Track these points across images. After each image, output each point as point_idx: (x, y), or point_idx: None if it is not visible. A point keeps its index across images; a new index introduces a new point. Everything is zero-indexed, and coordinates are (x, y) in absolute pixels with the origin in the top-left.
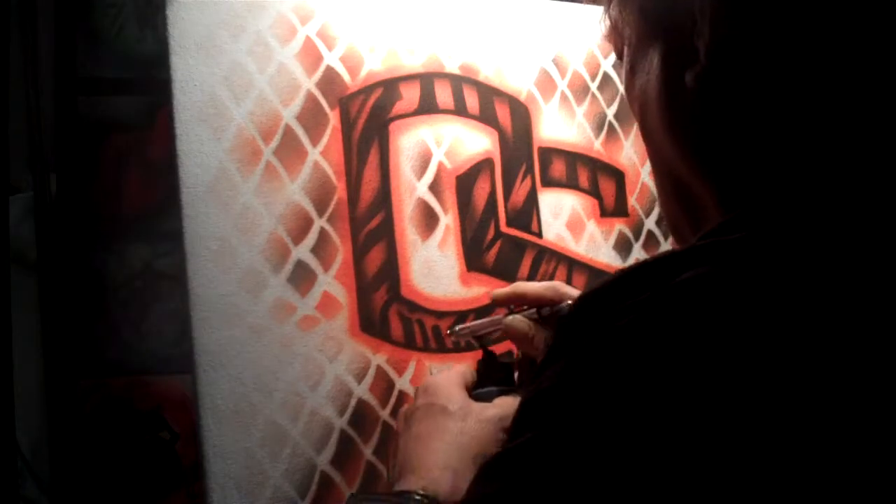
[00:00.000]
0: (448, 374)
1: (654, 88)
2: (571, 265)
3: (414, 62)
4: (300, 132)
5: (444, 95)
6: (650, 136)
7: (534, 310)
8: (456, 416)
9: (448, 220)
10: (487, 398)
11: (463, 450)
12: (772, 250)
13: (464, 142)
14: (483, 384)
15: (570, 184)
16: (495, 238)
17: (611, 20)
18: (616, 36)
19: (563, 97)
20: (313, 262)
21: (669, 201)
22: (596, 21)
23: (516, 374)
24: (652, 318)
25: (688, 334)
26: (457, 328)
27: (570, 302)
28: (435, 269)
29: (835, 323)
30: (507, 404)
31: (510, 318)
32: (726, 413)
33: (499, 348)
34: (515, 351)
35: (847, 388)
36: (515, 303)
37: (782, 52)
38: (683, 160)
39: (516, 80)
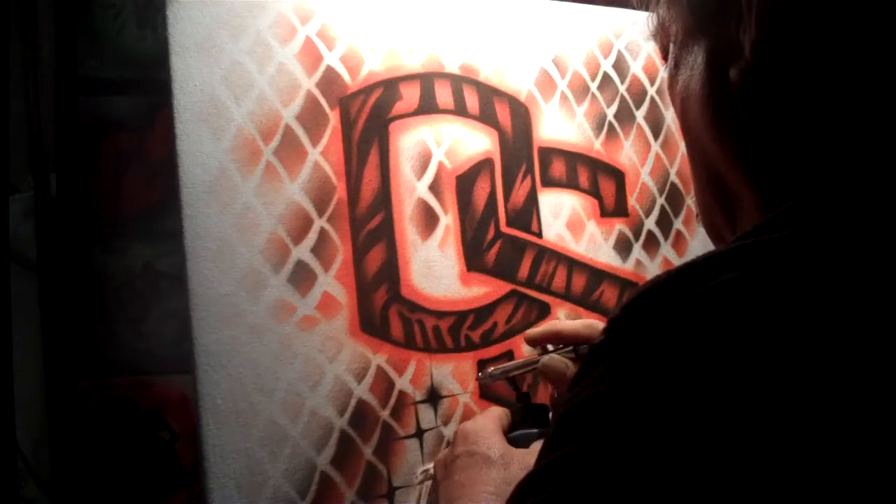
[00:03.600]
0: (485, 420)
1: (698, 83)
2: (571, 265)
3: (414, 62)
4: (300, 132)
5: (444, 95)
6: (691, 131)
7: (570, 348)
8: (498, 465)
9: (448, 220)
10: (524, 441)
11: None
12: (822, 249)
13: (464, 142)
14: (519, 427)
15: (570, 184)
16: (495, 238)
17: (658, 18)
18: (663, 34)
19: (563, 97)
20: (313, 262)
21: (706, 197)
22: (596, 21)
23: (551, 416)
24: (697, 321)
25: (736, 337)
26: (489, 370)
27: None
28: (435, 269)
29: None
30: None
31: (547, 357)
32: (775, 421)
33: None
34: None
35: None
36: (551, 342)
37: (828, 48)
38: (724, 155)
39: (516, 80)
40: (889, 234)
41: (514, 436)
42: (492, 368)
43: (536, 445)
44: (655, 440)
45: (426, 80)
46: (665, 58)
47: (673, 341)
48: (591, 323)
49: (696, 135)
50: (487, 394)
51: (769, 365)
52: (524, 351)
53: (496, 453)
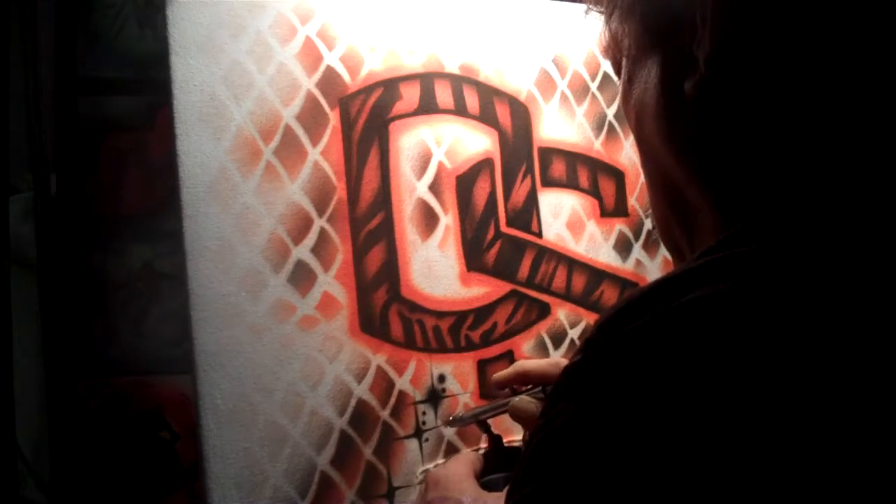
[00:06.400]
0: (457, 465)
1: (653, 97)
2: (571, 265)
3: (414, 62)
4: (300, 132)
5: (444, 95)
6: (646, 144)
7: (539, 388)
8: None
9: (448, 220)
10: (497, 486)
11: None
12: (787, 263)
13: (464, 142)
14: (492, 470)
15: (570, 184)
16: (495, 238)
17: (610, 32)
18: (615, 48)
19: (563, 97)
20: (313, 262)
21: (663, 210)
22: (596, 21)
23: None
24: (665, 342)
25: (703, 358)
26: (459, 415)
27: None
28: (435, 269)
29: (869, 343)
30: None
31: (516, 399)
32: (752, 444)
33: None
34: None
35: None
36: (518, 383)
37: (782, 60)
38: (680, 168)
39: (516, 80)
40: (852, 246)
41: (487, 480)
42: (461, 413)
43: None
44: (624, 473)
45: (426, 80)
46: (618, 73)
47: (641, 363)
48: (558, 362)
49: (652, 148)
50: (488, 394)
51: (739, 385)
52: (524, 351)
53: (468, 499)
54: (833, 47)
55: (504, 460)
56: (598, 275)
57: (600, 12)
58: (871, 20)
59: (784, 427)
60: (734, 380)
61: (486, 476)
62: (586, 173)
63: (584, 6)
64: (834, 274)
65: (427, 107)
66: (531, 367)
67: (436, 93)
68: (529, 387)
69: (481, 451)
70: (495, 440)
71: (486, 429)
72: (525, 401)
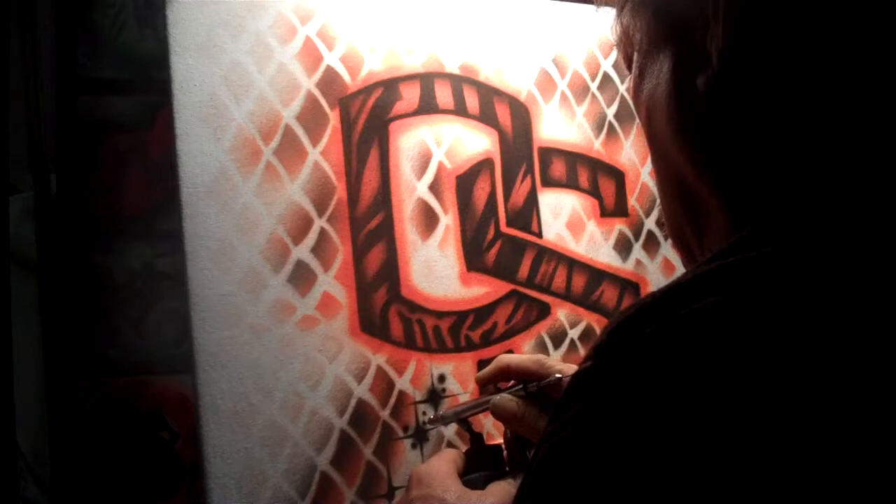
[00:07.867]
0: (439, 462)
1: (664, 92)
2: (571, 265)
3: (414, 62)
4: (300, 132)
5: (444, 95)
6: (656, 140)
7: (520, 386)
8: None
9: (448, 220)
10: (478, 484)
11: None
12: (799, 268)
13: (464, 142)
14: (473, 469)
15: (570, 184)
16: (495, 238)
17: (622, 26)
18: (626, 42)
19: (563, 97)
20: (313, 262)
21: (673, 207)
22: (596, 21)
23: (506, 455)
24: (679, 350)
25: (719, 367)
26: (439, 413)
27: (557, 375)
28: (435, 269)
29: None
30: (502, 491)
31: (497, 398)
32: (770, 456)
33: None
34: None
35: None
36: (500, 380)
37: (795, 55)
38: (691, 165)
39: (516, 80)
40: (866, 251)
41: (467, 479)
42: (442, 412)
43: (493, 487)
44: (634, 486)
45: (426, 80)
46: (629, 67)
47: (653, 372)
48: (540, 359)
49: (663, 144)
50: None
51: (754, 395)
52: (524, 351)
53: (452, 496)
54: (850, 43)
55: (485, 459)
56: (598, 275)
57: (612, 6)
58: (887, 17)
59: (797, 438)
60: (749, 389)
61: (468, 474)
62: (586, 173)
63: (584, 6)
64: (846, 279)
65: (427, 107)
66: (512, 361)
67: (436, 93)
68: (511, 384)
69: (463, 450)
70: (476, 439)
71: (467, 427)
72: (506, 399)
